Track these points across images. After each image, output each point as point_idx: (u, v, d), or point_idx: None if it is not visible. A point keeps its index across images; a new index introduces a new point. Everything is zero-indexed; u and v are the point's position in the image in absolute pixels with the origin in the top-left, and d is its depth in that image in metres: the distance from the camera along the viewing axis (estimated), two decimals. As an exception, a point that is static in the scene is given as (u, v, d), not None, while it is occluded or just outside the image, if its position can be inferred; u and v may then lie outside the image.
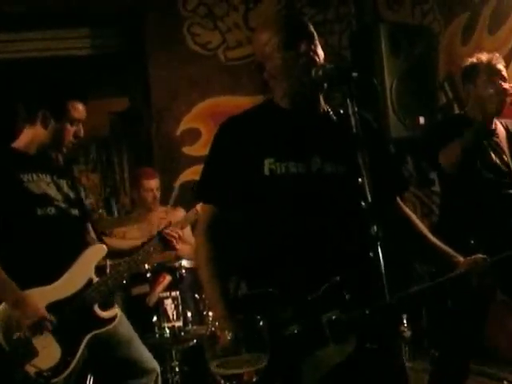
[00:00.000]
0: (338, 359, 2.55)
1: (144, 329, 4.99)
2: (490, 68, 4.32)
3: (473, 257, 2.75)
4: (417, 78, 6.34)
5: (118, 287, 4.02)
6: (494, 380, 5.23)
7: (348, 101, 2.42)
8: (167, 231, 4.14)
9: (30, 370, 3.57)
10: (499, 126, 4.48)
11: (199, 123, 7.09)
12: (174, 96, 7.18)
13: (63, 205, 3.85)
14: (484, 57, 4.36)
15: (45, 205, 3.76)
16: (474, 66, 4.37)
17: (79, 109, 3.88)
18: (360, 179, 2.33)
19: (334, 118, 2.82)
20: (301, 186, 2.71)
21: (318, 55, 2.73)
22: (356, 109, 2.41)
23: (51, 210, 3.77)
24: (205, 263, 2.77)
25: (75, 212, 3.90)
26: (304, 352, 2.54)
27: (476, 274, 2.66)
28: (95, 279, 3.85)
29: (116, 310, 3.96)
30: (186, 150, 7.08)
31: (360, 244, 2.47)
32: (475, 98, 4.38)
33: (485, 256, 2.74)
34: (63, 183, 3.94)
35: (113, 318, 3.89)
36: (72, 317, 3.72)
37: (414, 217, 2.94)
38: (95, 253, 3.94)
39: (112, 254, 4.15)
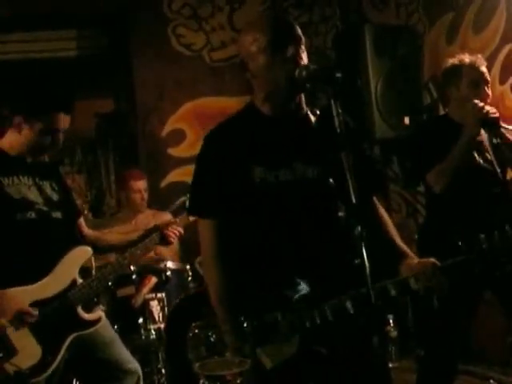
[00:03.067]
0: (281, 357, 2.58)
1: (130, 330, 4.99)
2: (474, 70, 4.29)
3: (423, 260, 2.74)
4: (402, 78, 6.34)
5: (102, 289, 4.00)
6: (480, 379, 5.25)
7: (332, 101, 2.42)
8: (169, 228, 4.14)
9: (9, 368, 3.56)
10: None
11: (184, 124, 7.08)
12: (160, 97, 7.17)
13: (44, 208, 3.83)
14: (467, 58, 4.32)
15: (24, 209, 3.74)
16: (456, 68, 4.33)
17: (61, 119, 3.82)
18: (336, 181, 2.34)
19: (315, 120, 2.83)
20: (289, 192, 2.72)
21: (303, 59, 2.72)
22: (340, 109, 2.41)
23: (31, 214, 3.75)
24: (216, 281, 2.77)
25: (57, 215, 3.87)
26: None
27: (417, 279, 2.63)
28: (79, 281, 3.84)
29: (100, 313, 3.95)
30: (172, 151, 7.07)
31: (345, 245, 2.53)
32: (458, 100, 4.35)
33: (434, 261, 2.72)
34: (46, 185, 3.91)
35: (96, 321, 3.88)
36: (54, 317, 3.70)
37: (385, 217, 2.95)
38: (80, 254, 3.93)
39: (112, 248, 4.23)
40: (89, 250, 3.97)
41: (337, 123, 2.39)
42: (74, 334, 3.76)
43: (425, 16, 6.60)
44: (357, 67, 6.33)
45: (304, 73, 2.63)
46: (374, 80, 6.24)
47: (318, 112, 2.85)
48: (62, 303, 3.75)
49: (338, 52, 6.92)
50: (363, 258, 2.27)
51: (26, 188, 3.80)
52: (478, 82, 4.28)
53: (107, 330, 4.01)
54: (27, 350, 3.61)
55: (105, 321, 3.97)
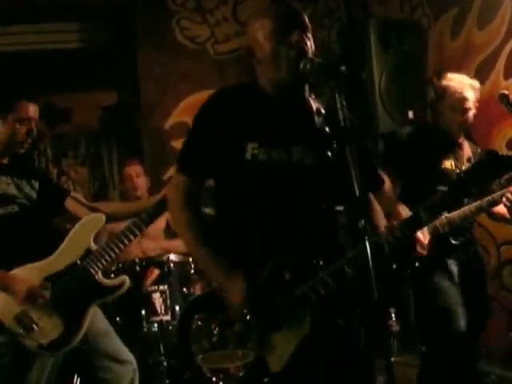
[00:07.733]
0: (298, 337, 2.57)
1: (132, 323, 5.00)
2: (456, 95, 4.31)
3: None
4: (406, 73, 6.32)
5: (119, 252, 3.93)
6: (482, 374, 5.25)
7: (336, 95, 2.42)
8: None
9: (31, 343, 3.61)
10: (466, 143, 4.54)
11: (188, 117, 7.05)
12: (163, 90, 7.17)
13: (26, 202, 3.83)
14: (452, 82, 4.35)
15: (6, 204, 3.77)
16: (443, 89, 4.39)
17: (27, 108, 3.86)
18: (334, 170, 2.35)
19: (317, 109, 2.83)
20: (281, 173, 2.73)
21: (308, 47, 2.73)
22: (344, 103, 2.41)
23: (14, 208, 3.78)
24: (187, 226, 2.79)
25: (37, 211, 3.89)
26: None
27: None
28: (94, 248, 3.85)
29: (124, 277, 3.96)
30: (175, 143, 7.06)
31: (333, 235, 2.68)
32: (443, 117, 4.42)
33: None
34: (24, 184, 3.92)
35: (120, 286, 3.89)
36: (73, 287, 3.72)
37: (378, 213, 2.95)
38: (94, 222, 3.94)
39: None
40: (102, 217, 3.96)
41: (341, 117, 2.39)
42: (97, 302, 3.76)
43: (429, 10, 6.59)
44: (361, 61, 6.31)
45: (308, 66, 2.63)
46: (378, 74, 6.22)
47: (321, 102, 2.86)
48: (78, 273, 3.76)
49: (343, 46, 6.91)
50: (366, 253, 2.27)
51: (5, 184, 3.82)
52: (454, 108, 4.32)
53: (102, 322, 4.03)
54: (48, 324, 3.64)
55: (99, 313, 3.98)
